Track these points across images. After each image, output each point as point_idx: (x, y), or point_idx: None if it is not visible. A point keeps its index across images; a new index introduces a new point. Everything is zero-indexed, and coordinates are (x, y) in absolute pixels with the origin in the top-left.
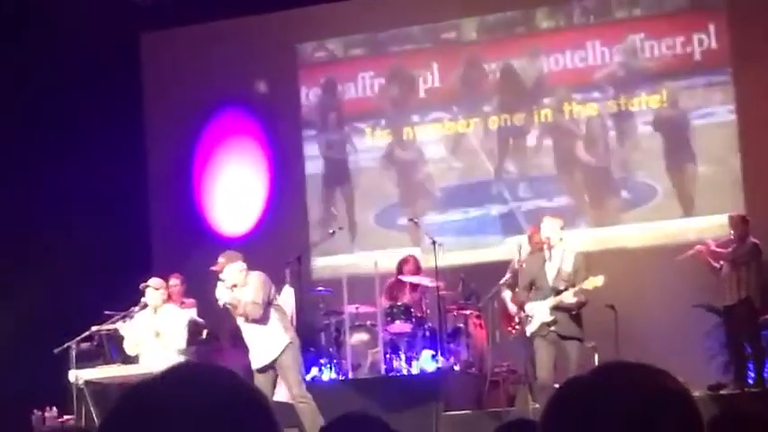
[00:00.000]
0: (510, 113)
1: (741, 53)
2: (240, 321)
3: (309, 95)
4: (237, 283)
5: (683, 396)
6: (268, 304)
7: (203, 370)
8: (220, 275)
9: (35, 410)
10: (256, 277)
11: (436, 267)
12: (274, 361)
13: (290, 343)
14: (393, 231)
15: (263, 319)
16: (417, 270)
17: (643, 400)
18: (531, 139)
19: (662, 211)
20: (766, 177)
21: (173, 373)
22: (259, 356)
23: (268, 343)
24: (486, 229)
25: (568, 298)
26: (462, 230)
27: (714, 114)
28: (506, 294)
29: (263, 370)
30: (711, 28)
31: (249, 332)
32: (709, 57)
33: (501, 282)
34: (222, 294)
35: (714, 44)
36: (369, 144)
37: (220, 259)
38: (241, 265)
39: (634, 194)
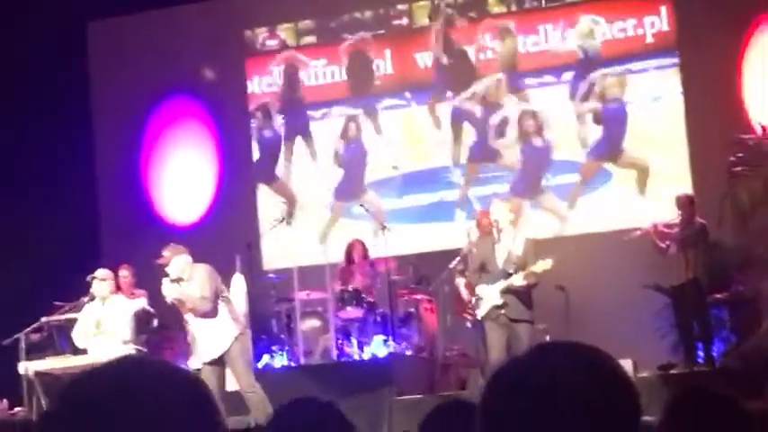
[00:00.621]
0: (463, 99)
1: (688, 36)
2: (188, 316)
3: (259, 83)
4: (183, 277)
5: (617, 373)
6: (215, 297)
7: (141, 363)
8: (166, 269)
9: None
10: (202, 270)
11: (386, 252)
12: (223, 354)
13: (240, 334)
14: (347, 218)
15: (211, 313)
16: (365, 255)
17: (579, 378)
18: (484, 125)
19: (613, 194)
20: (713, 158)
21: (111, 367)
22: (208, 350)
23: (217, 336)
24: (440, 215)
25: (518, 281)
26: (417, 216)
27: (664, 98)
28: (460, 281)
29: (211, 363)
30: (663, 11)
31: (197, 326)
32: (660, 40)
33: (451, 266)
34: (169, 290)
35: (666, 27)
36: (322, 131)
37: (165, 253)
38: (186, 258)
39: (594, 177)
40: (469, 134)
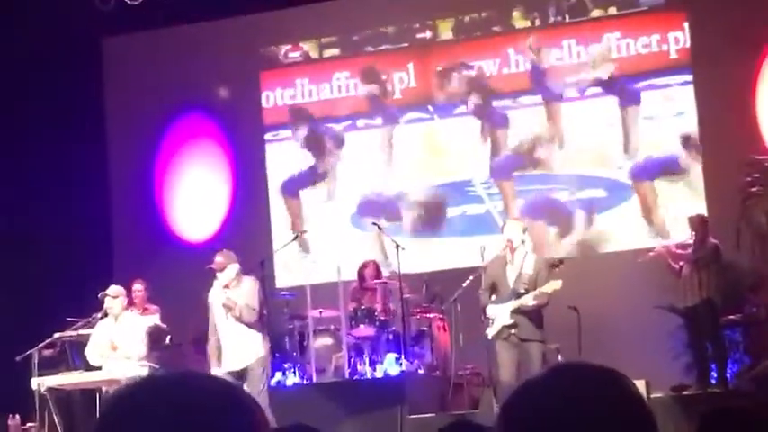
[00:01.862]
0: (486, 113)
1: (702, 54)
2: (220, 321)
3: (279, 98)
4: (231, 285)
5: (635, 397)
6: (260, 311)
7: (196, 375)
8: (218, 273)
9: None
10: (252, 282)
11: (399, 271)
12: (245, 369)
13: (265, 356)
14: (366, 233)
15: (250, 325)
16: (378, 274)
17: (595, 400)
18: (507, 139)
19: (628, 214)
20: (726, 178)
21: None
22: (234, 360)
23: (245, 349)
24: (462, 229)
25: (528, 301)
26: (438, 231)
27: (681, 115)
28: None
29: (232, 374)
30: (687, 26)
31: (229, 334)
32: (684, 55)
33: (464, 285)
34: (217, 294)
35: (689, 43)
36: (344, 145)
37: (219, 258)
38: (238, 266)
39: (611, 193)
40: (493, 149)
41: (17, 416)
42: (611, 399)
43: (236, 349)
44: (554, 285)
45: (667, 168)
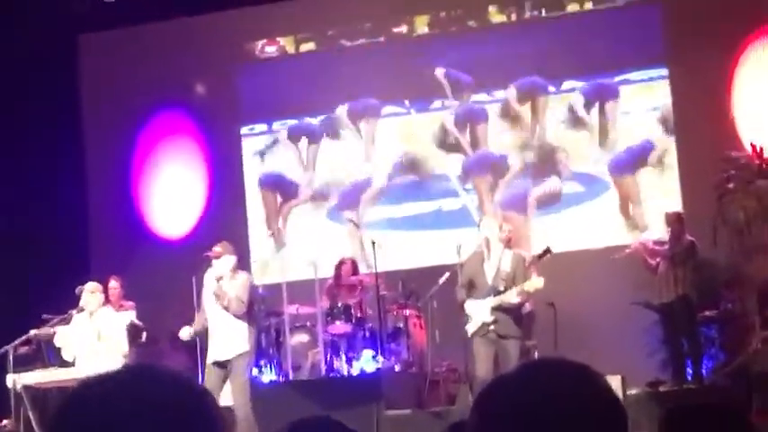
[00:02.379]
0: (462, 108)
1: (676, 49)
2: (210, 311)
3: (255, 93)
4: (225, 276)
5: (607, 393)
6: (249, 306)
7: (153, 370)
8: (214, 262)
9: None
10: (245, 277)
11: (375, 267)
12: (228, 361)
13: (248, 351)
14: (342, 228)
15: (238, 317)
16: (355, 271)
17: (567, 396)
18: (482, 133)
19: (604, 209)
20: (702, 174)
21: (123, 373)
22: (218, 351)
23: (230, 341)
24: (438, 223)
25: (511, 298)
26: (414, 225)
27: (657, 110)
28: None
29: (216, 365)
30: (661, 21)
31: (216, 325)
32: (659, 50)
33: (440, 281)
34: (210, 282)
35: (664, 37)
36: (321, 139)
37: (217, 248)
38: (234, 259)
39: (588, 188)
40: (469, 142)
41: None
42: (584, 395)
43: (223, 340)
44: (536, 284)
45: (643, 164)
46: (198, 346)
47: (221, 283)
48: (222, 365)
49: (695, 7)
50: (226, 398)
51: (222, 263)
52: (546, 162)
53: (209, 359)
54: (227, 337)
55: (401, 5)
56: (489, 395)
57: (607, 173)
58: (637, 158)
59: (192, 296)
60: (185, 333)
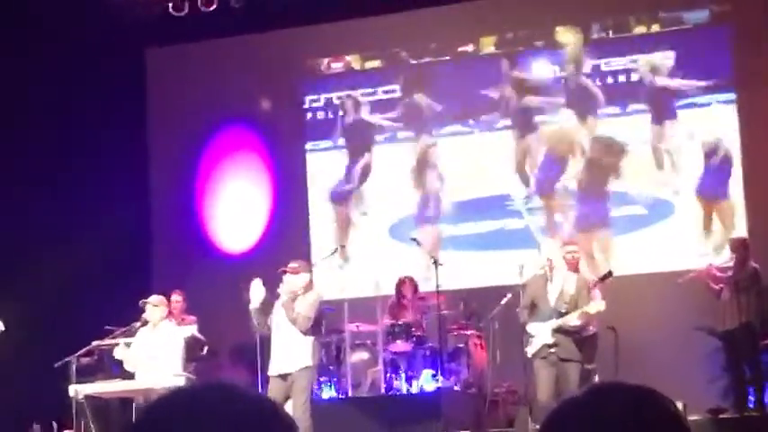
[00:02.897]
0: (526, 127)
1: (745, 72)
2: (277, 324)
3: (319, 110)
4: (298, 293)
5: (676, 417)
6: (316, 323)
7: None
8: (288, 278)
9: (35, 424)
10: (316, 294)
11: (437, 287)
12: (289, 374)
13: (311, 366)
14: (405, 247)
15: (304, 333)
16: (415, 290)
17: (636, 420)
18: (548, 154)
19: (668, 232)
20: (767, 200)
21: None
22: (280, 363)
23: (293, 355)
24: (501, 243)
25: (573, 320)
26: (477, 245)
27: (725, 136)
28: None
29: (279, 377)
30: (731, 44)
31: (280, 337)
32: (727, 73)
33: (502, 302)
34: (284, 293)
35: (733, 61)
36: (384, 157)
37: (295, 264)
38: (309, 277)
39: (651, 211)
40: (533, 163)
41: (54, 423)
42: (651, 418)
43: (285, 353)
44: (598, 306)
45: (708, 188)
46: (258, 360)
47: (294, 298)
48: (284, 378)
49: (766, 30)
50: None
51: (298, 279)
52: (605, 184)
53: (273, 371)
54: (292, 351)
55: (468, 28)
56: (557, 419)
57: (672, 195)
58: (700, 188)
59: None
60: (257, 289)
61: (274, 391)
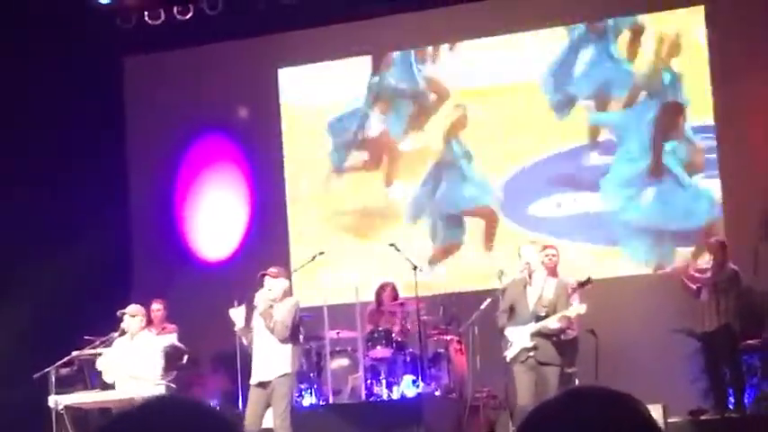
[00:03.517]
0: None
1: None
2: (256, 332)
3: (298, 115)
4: (276, 299)
5: (648, 422)
6: (293, 330)
7: (178, 403)
8: (268, 282)
9: None
10: (293, 302)
11: (416, 292)
12: (269, 382)
13: (290, 374)
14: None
15: (282, 341)
16: (395, 296)
17: (609, 424)
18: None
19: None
20: (745, 202)
21: (149, 407)
22: (259, 371)
23: (272, 363)
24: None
25: (552, 324)
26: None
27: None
28: None
29: (259, 386)
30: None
31: (261, 345)
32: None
33: (482, 307)
34: (261, 301)
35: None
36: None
37: (274, 269)
38: (288, 284)
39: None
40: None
41: None
42: (625, 423)
43: (266, 361)
44: (578, 309)
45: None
46: (238, 369)
47: (272, 305)
48: (264, 386)
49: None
50: (267, 420)
51: (277, 284)
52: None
53: (253, 380)
54: (270, 359)
55: (436, 35)
56: (532, 423)
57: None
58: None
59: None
60: (238, 315)
61: (254, 399)
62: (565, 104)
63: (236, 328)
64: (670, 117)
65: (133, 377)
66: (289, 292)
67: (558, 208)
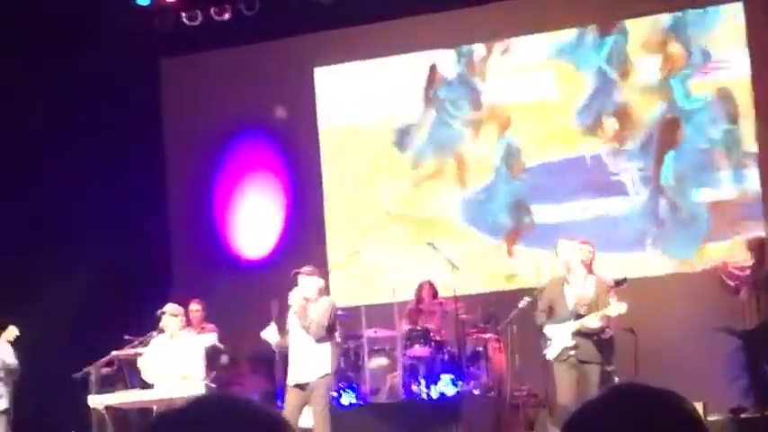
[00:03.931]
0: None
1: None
2: (292, 333)
3: (335, 116)
4: (311, 298)
5: (694, 418)
6: (330, 330)
7: (226, 401)
8: (302, 280)
9: None
10: (329, 301)
11: (455, 291)
12: (308, 384)
13: (329, 374)
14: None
15: (319, 341)
16: (435, 295)
17: (655, 421)
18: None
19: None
20: None
21: (198, 405)
22: (297, 373)
23: (311, 364)
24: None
25: (593, 323)
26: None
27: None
28: None
29: (297, 387)
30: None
31: (297, 346)
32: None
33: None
34: (296, 299)
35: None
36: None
37: (308, 268)
38: (322, 283)
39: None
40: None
41: None
42: (671, 420)
43: (303, 362)
44: (619, 308)
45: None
46: (277, 369)
47: (307, 304)
48: (302, 387)
49: None
50: (305, 420)
51: (312, 283)
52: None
53: (291, 381)
54: (309, 360)
55: (476, 34)
56: (577, 421)
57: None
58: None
59: (272, 319)
60: (271, 334)
61: (292, 400)
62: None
63: (273, 346)
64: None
65: (181, 377)
66: (324, 291)
67: (584, 211)
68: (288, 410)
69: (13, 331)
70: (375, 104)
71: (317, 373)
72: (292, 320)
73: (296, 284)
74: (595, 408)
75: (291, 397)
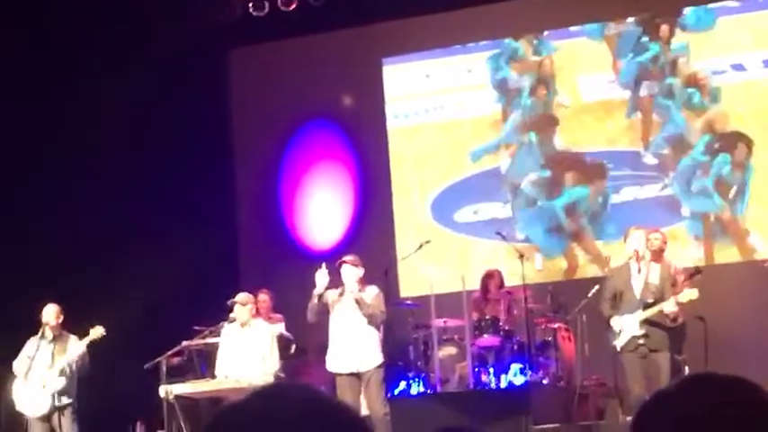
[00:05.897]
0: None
1: None
2: (340, 321)
3: (404, 106)
4: (359, 288)
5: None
6: (385, 317)
7: (296, 390)
8: (345, 269)
9: (139, 423)
10: (377, 291)
11: (524, 280)
12: (362, 374)
13: (383, 364)
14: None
15: (377, 327)
16: (501, 284)
17: (731, 410)
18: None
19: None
20: None
21: (265, 394)
22: (351, 361)
23: (365, 353)
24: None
25: (669, 306)
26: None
27: None
28: None
29: (351, 375)
30: None
31: (347, 334)
32: None
33: (590, 295)
34: (348, 291)
35: None
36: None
37: (351, 257)
38: (362, 273)
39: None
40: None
41: (142, 424)
42: (746, 407)
43: (356, 351)
44: (690, 295)
45: None
46: None
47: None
48: (358, 376)
49: None
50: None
51: (355, 273)
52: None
53: (343, 369)
54: (363, 348)
55: (544, 22)
56: (651, 411)
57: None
58: None
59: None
60: (321, 277)
61: (346, 388)
62: None
63: (315, 291)
64: None
65: (255, 365)
66: (363, 281)
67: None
68: (349, 400)
69: (98, 331)
70: (442, 95)
71: (374, 363)
72: (340, 309)
73: (339, 274)
74: (672, 397)
75: (345, 384)
